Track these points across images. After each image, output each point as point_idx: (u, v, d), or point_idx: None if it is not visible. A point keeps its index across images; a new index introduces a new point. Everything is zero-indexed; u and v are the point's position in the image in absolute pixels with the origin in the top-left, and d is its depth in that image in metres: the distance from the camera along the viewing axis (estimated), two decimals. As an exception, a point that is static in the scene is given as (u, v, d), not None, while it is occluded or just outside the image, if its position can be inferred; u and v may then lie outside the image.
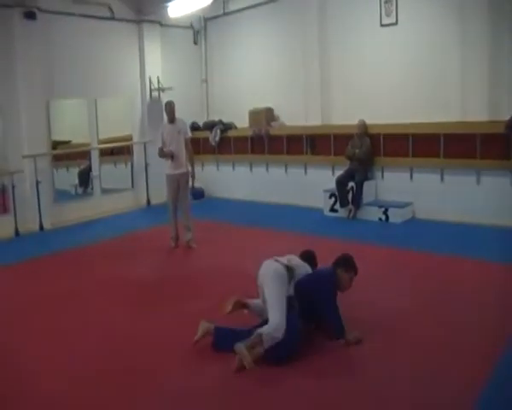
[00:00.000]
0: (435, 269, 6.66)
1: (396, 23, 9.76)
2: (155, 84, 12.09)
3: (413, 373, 4.16)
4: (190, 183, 8.42)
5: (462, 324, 5.01)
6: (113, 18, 11.55)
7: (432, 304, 5.54)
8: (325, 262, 5.07)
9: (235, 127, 12.37)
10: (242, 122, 12.06)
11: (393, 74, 9.84)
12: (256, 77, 12.05)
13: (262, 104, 11.72)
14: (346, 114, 10.33)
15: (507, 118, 8.26)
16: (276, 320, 4.34)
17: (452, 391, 3.84)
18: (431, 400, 3.78)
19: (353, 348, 4.61)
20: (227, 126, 12.37)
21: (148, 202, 12.20)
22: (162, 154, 8.17)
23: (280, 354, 4.34)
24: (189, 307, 5.73)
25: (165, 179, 8.37)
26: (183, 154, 8.26)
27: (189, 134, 8.51)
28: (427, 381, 4.00)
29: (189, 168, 8.40)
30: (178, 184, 8.24)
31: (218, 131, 12.31)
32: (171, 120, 8.23)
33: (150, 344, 4.95)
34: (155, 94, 12.17)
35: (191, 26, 13.00)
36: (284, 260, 4.82)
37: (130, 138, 12.23)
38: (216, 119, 12.72)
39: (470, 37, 8.77)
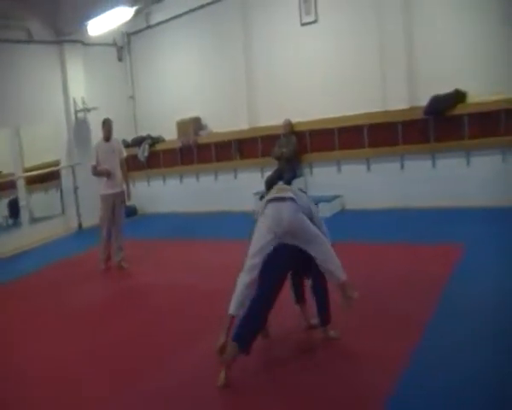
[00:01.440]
0: (363, 258, 6.51)
1: (316, 21, 9.88)
2: (80, 105, 11.77)
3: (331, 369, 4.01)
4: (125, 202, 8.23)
5: (383, 311, 4.88)
6: (31, 41, 11.17)
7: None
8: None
9: (164, 140, 12.17)
10: (171, 134, 11.88)
11: (316, 71, 9.90)
12: (183, 88, 11.91)
13: (190, 114, 11.58)
14: (273, 115, 10.29)
15: (425, 103, 8.45)
16: None
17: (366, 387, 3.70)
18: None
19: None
20: (155, 140, 12.16)
21: (80, 225, 11.77)
22: (96, 172, 7.90)
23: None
24: (125, 327, 5.53)
25: (100, 199, 8.05)
26: (118, 173, 8.02)
27: (124, 154, 8.34)
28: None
29: (125, 188, 8.17)
30: (114, 204, 7.95)
31: (147, 146, 12.07)
32: (108, 138, 7.97)
33: (93, 368, 4.68)
34: (81, 115, 11.83)
35: (114, 43, 12.79)
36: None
37: (58, 163, 11.81)
38: (144, 134, 12.46)
39: (388, 29, 8.96)
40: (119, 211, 8.04)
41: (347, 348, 4.24)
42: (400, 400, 3.43)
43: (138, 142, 12.32)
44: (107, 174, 7.83)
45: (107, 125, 7.97)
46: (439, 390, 3.47)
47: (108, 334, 5.37)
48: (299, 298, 4.62)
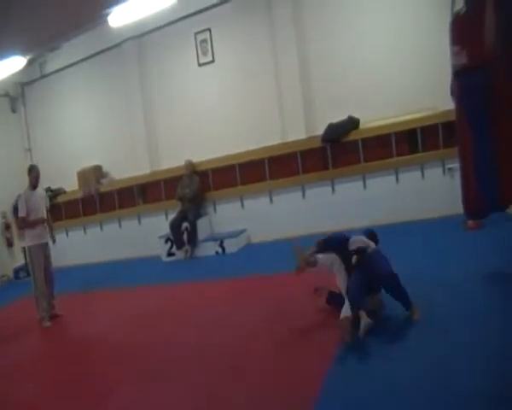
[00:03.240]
0: (270, 289, 6.46)
1: (213, 61, 9.96)
2: (-30, 163, 11.17)
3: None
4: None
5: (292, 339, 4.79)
6: None
7: (269, 324, 5.31)
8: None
9: (65, 192, 11.70)
10: (72, 185, 11.45)
11: (216, 110, 9.94)
12: (82, 136, 11.56)
13: (90, 163, 11.25)
14: (174, 157, 10.17)
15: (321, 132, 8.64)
16: None
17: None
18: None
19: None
20: (55, 192, 11.66)
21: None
22: (26, 224, 7.22)
23: None
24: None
25: (31, 251, 7.29)
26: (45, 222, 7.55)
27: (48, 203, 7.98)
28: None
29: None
30: (45, 254, 7.39)
31: (47, 199, 11.54)
32: (35, 185, 7.39)
33: None
34: (-29, 173, 11.22)
35: (7, 94, 12.29)
36: None
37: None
38: (44, 187, 11.91)
39: (283, 64, 9.18)
40: (49, 260, 7.50)
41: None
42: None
43: (38, 195, 11.81)
44: (43, 222, 7.31)
45: (34, 171, 7.38)
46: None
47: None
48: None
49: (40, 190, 7.68)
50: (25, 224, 7.29)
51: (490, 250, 6.02)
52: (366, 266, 4.78)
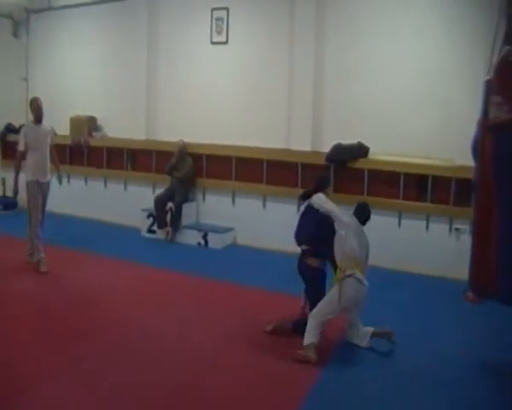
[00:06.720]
0: (246, 303, 6.36)
1: (226, 42, 9.32)
2: (-36, 80, 10.59)
3: None
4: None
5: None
6: None
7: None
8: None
9: (55, 134, 11.14)
10: (63, 129, 10.84)
11: (221, 94, 9.37)
12: (81, 82, 10.91)
13: (86, 112, 10.69)
14: (172, 131, 9.65)
15: (327, 150, 8.18)
16: None
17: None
18: None
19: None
20: (45, 132, 11.12)
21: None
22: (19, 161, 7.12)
23: None
24: None
25: (28, 187, 7.07)
26: (48, 160, 7.22)
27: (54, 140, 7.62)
28: None
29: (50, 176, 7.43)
30: (43, 193, 7.16)
31: (36, 136, 11.03)
32: (39, 119, 7.07)
33: None
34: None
35: (11, 16, 11.50)
36: None
37: None
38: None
39: (299, 69, 8.58)
40: (45, 202, 7.33)
41: None
42: None
43: (27, 129, 11.28)
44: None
45: (36, 103, 7.08)
46: None
47: None
48: None
49: (46, 127, 7.29)
50: (19, 159, 7.10)
51: (483, 331, 5.77)
52: None
